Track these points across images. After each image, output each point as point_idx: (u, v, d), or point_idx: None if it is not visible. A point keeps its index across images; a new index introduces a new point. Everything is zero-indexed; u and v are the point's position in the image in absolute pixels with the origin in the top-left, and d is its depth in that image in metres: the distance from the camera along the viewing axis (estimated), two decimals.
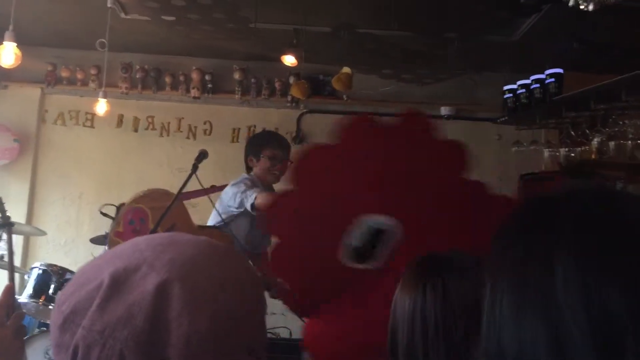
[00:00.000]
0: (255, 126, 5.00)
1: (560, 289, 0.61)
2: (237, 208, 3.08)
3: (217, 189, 3.49)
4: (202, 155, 3.13)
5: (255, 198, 2.95)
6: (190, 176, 3.04)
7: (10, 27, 2.94)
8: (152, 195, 3.09)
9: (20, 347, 1.11)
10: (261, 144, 3.38)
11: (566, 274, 0.61)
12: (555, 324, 0.61)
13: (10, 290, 1.14)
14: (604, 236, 0.63)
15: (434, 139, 1.53)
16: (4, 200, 3.55)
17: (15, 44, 2.95)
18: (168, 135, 5.00)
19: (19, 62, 3.00)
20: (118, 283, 0.60)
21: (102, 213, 3.98)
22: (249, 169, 3.38)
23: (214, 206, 3.23)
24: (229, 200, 3.14)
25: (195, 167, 3.06)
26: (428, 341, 1.11)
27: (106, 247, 3.95)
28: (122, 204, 4.53)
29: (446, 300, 1.11)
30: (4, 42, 2.93)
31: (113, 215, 4.46)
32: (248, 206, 2.96)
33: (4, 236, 3.70)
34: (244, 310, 0.64)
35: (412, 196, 1.45)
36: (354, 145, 1.46)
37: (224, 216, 3.13)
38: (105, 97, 4.25)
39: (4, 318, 1.07)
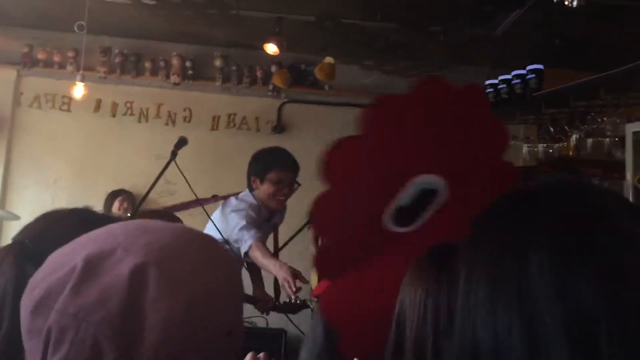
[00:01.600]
0: (235, 114, 4.96)
1: (535, 280, 0.62)
2: (234, 242, 2.87)
3: (220, 198, 3.24)
4: (182, 142, 3.08)
5: (250, 247, 2.74)
6: (169, 163, 3.01)
7: None
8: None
9: None
10: (266, 165, 3.02)
11: (541, 265, 0.62)
12: (529, 315, 0.61)
13: None
14: (578, 228, 0.64)
15: (484, 113, 1.54)
16: None
17: None
18: (147, 121, 4.94)
19: None
20: (92, 266, 0.59)
21: None
22: (250, 187, 3.07)
23: (209, 217, 3.02)
24: (231, 228, 2.88)
25: (174, 154, 3.02)
26: (439, 332, 1.10)
27: None
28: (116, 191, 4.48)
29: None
30: None
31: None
32: (242, 250, 2.78)
33: None
34: (221, 293, 0.63)
35: (459, 160, 1.44)
36: (423, 102, 1.43)
37: (224, 235, 2.90)
38: (82, 80, 4.19)
39: None
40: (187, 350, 0.57)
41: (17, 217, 4.10)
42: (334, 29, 4.04)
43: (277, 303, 3.12)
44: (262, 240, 2.85)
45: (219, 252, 0.69)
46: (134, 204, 4.51)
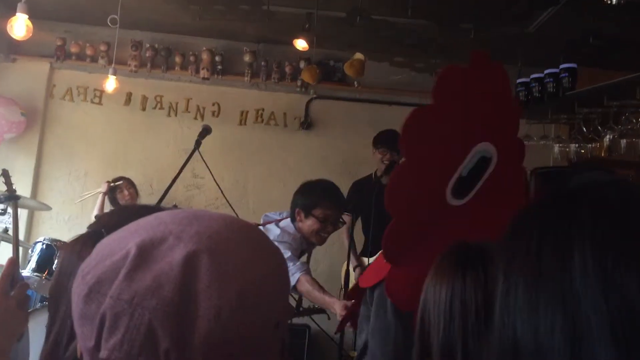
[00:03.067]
0: (263, 109, 4.98)
1: (578, 278, 0.60)
2: None
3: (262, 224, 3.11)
4: (205, 131, 3.08)
5: (299, 280, 2.70)
6: (193, 152, 3.00)
7: None
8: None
9: (24, 318, 1.11)
10: (313, 200, 2.88)
11: (584, 263, 0.61)
12: (573, 314, 0.60)
13: (13, 262, 1.14)
14: (621, 225, 0.62)
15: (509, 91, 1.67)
16: (10, 174, 3.56)
17: (27, 16, 2.93)
18: (176, 115, 4.98)
19: (30, 34, 2.98)
20: (145, 253, 0.59)
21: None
22: (293, 217, 2.94)
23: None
24: None
25: (198, 143, 3.02)
26: (468, 330, 1.08)
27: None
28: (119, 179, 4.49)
29: (488, 289, 1.09)
30: (17, 14, 2.90)
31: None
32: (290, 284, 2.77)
33: (9, 210, 3.70)
34: (271, 285, 0.63)
35: (503, 132, 1.55)
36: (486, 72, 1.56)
37: None
38: (114, 74, 4.23)
39: (8, 288, 1.07)
40: (238, 340, 0.57)
41: (48, 208, 4.17)
42: (364, 25, 4.02)
43: (300, 309, 3.11)
44: (309, 273, 2.79)
45: (267, 243, 0.69)
46: (135, 188, 4.48)
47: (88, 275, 0.61)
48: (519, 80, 3.75)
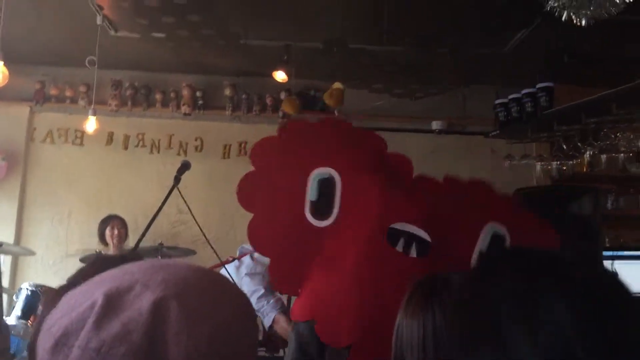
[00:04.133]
0: (246, 142, 4.98)
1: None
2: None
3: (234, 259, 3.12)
4: (184, 167, 3.04)
5: (274, 320, 2.65)
6: (172, 189, 2.96)
7: None
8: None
9: None
10: None
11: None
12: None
13: None
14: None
15: (350, 131, 1.89)
16: None
17: (2, 62, 2.92)
18: (159, 152, 4.97)
19: (7, 80, 2.97)
20: (112, 301, 0.59)
21: None
22: None
23: (225, 268, 2.77)
24: (249, 294, 2.67)
25: (177, 179, 2.96)
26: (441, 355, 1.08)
27: None
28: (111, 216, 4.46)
29: (457, 313, 1.08)
30: None
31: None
32: (266, 324, 2.68)
33: None
34: (240, 326, 0.63)
35: (345, 155, 1.75)
36: (296, 132, 1.86)
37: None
38: (94, 114, 4.22)
39: None
40: None
41: (32, 253, 4.12)
42: (341, 54, 4.05)
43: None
44: (285, 312, 2.68)
45: (231, 286, 0.69)
46: (126, 229, 4.46)
47: (54, 328, 0.60)
48: (497, 101, 3.78)
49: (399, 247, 1.59)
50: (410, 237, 1.59)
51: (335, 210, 1.65)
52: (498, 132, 3.89)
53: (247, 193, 1.68)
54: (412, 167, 1.80)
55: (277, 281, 1.69)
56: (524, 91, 3.61)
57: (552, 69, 3.88)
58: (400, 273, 1.26)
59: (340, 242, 1.61)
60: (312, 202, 1.65)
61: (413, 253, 1.57)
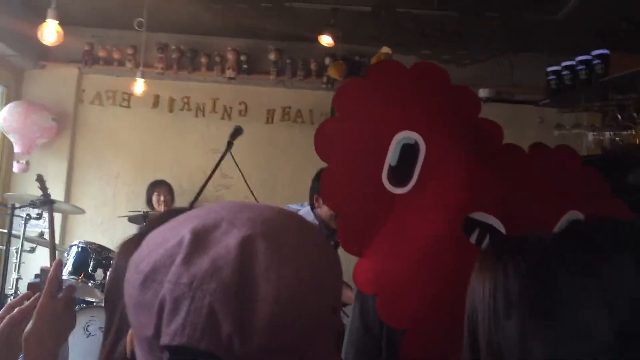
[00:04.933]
0: (290, 107, 4.98)
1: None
2: None
3: None
4: (237, 132, 3.06)
5: None
6: (225, 153, 2.99)
7: (53, 5, 2.95)
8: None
9: (72, 319, 1.12)
10: None
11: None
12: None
13: (59, 264, 1.15)
14: None
15: (445, 82, 1.69)
16: (44, 179, 3.61)
17: (57, 22, 2.97)
18: (203, 115, 5.01)
19: (61, 40, 3.02)
20: (199, 238, 0.59)
21: None
22: (312, 204, 2.97)
23: None
24: None
25: (230, 144, 3.00)
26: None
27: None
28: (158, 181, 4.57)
29: (531, 278, 1.06)
30: (47, 20, 2.94)
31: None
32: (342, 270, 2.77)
33: (44, 214, 3.77)
34: (326, 269, 0.62)
35: (434, 119, 1.61)
36: (385, 79, 1.63)
37: None
38: (142, 76, 4.27)
39: (55, 291, 1.08)
40: (298, 324, 0.56)
41: (82, 211, 4.22)
42: (389, 18, 3.99)
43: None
44: None
45: (314, 227, 0.68)
46: (172, 195, 4.56)
47: (142, 264, 0.60)
48: (550, 68, 3.67)
49: (473, 239, 1.51)
50: (485, 228, 1.50)
51: (414, 180, 1.55)
52: (548, 100, 3.79)
53: (326, 141, 1.53)
54: (502, 136, 1.66)
55: (344, 239, 1.57)
56: (578, 58, 3.49)
57: (608, 37, 3.73)
58: (469, 266, 1.18)
59: (413, 216, 1.53)
60: (391, 166, 1.55)
61: (485, 245, 1.49)
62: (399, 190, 1.55)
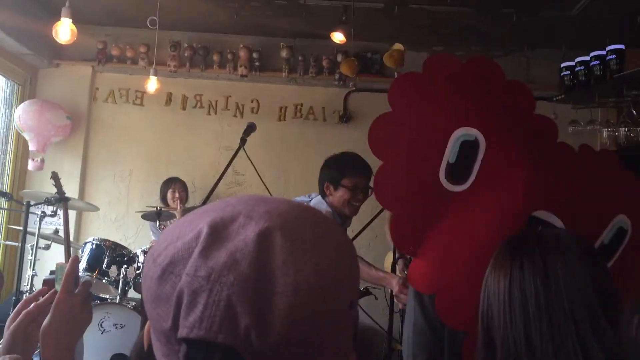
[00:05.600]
0: (302, 104, 4.98)
1: None
2: None
3: None
4: (250, 128, 3.07)
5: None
6: (238, 149, 3.00)
7: (67, 3, 2.96)
8: None
9: (89, 314, 1.13)
10: (341, 171, 2.88)
11: None
12: None
13: (76, 260, 1.16)
14: None
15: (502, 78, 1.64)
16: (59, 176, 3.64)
17: (71, 20, 2.98)
18: (216, 113, 5.03)
19: (75, 38, 3.03)
20: (217, 231, 0.59)
21: None
22: (323, 193, 2.95)
23: None
24: None
25: (243, 141, 3.01)
26: (530, 320, 1.05)
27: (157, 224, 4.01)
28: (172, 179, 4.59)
29: (548, 276, 1.05)
30: (61, 18, 2.96)
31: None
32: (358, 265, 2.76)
33: (59, 211, 3.79)
34: (343, 262, 0.62)
35: (493, 115, 1.55)
36: (441, 73, 1.57)
37: None
38: (155, 74, 4.29)
39: (72, 286, 1.09)
40: (316, 318, 0.56)
41: (96, 208, 4.25)
42: (402, 15, 3.97)
43: None
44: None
45: (332, 221, 0.68)
46: (186, 192, 4.58)
47: (159, 257, 0.60)
48: (563, 64, 3.64)
49: None
50: (546, 227, 1.44)
51: (473, 177, 1.49)
52: (563, 96, 3.76)
53: (380, 137, 1.47)
54: (557, 133, 1.60)
55: (398, 239, 1.53)
56: (592, 53, 3.46)
57: (623, 32, 3.69)
58: None
59: (471, 214, 1.48)
60: (449, 164, 1.49)
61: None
62: (457, 188, 1.50)
